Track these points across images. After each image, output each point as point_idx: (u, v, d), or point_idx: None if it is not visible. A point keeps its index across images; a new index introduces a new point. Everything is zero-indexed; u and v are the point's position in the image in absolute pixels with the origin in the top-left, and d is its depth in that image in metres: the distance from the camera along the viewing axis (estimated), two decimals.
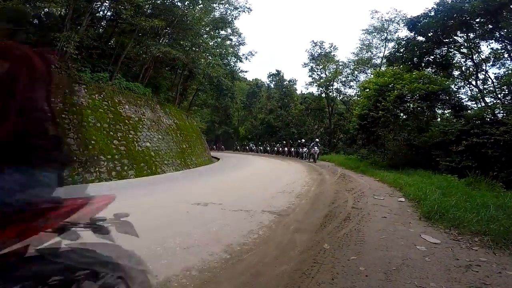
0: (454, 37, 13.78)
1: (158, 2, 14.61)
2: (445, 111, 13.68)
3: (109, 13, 14.54)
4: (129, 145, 10.64)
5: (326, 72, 31.35)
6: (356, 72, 29.66)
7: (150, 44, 14.39)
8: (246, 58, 28.57)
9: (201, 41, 17.72)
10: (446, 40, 13.90)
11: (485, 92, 13.77)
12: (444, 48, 14.51)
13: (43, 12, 12.03)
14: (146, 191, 7.25)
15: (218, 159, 22.64)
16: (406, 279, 2.41)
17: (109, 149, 9.53)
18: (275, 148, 29.85)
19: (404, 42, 15.49)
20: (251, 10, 21.64)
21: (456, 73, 15.38)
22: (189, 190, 7.46)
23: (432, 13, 13.18)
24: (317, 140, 20.05)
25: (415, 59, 14.71)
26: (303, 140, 20.82)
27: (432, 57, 14.75)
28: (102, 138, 9.49)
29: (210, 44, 20.55)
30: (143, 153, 11.18)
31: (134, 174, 10.04)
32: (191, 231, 3.68)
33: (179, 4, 15.50)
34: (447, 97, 12.25)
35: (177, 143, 14.89)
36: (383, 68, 21.41)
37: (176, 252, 2.97)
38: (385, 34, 26.40)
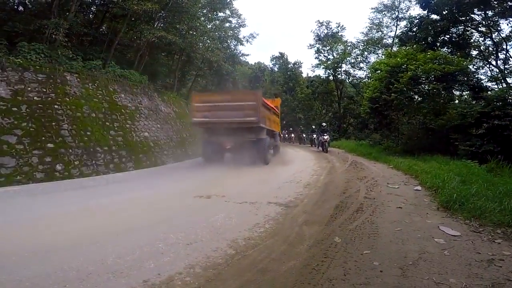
0: (471, 15, 13.43)
1: None
2: (463, 92, 13.43)
3: None
4: (127, 136, 10.65)
5: (334, 54, 30.87)
6: (366, 53, 29.14)
7: (144, 28, 14.16)
8: (247, 41, 28.24)
9: (198, 24, 17.39)
10: (463, 18, 13.58)
11: (506, 72, 13.44)
12: (461, 27, 14.18)
13: None
14: (146, 184, 7.30)
15: None
16: (423, 275, 2.37)
17: (105, 140, 9.55)
18: (281, 135, 29.78)
19: (417, 20, 15.22)
20: None
21: (474, 52, 15.06)
22: (191, 182, 7.49)
23: None
24: (324, 124, 17.46)
25: (429, 38, 14.46)
26: (324, 124, 17.63)
27: (448, 36, 14.47)
28: (98, 128, 9.50)
29: (208, 27, 20.28)
30: (141, 144, 11.20)
31: (133, 166, 10.08)
32: (194, 226, 3.69)
33: None
34: (465, 78, 12.00)
35: (177, 132, 14.89)
36: (395, 49, 21.10)
37: (179, 249, 2.98)
38: (396, 13, 25.71)
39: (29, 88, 8.15)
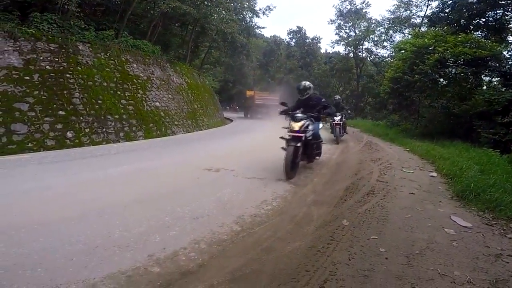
0: None
1: None
2: (493, 79, 12.83)
3: None
4: (138, 105, 10.78)
5: (356, 30, 30.02)
6: (391, 32, 28.22)
7: None
8: (263, 13, 27.64)
9: None
10: (503, 1, 12.69)
11: None
12: (500, 11, 13.27)
13: None
14: (155, 154, 7.43)
15: (232, 120, 22.74)
16: (429, 265, 2.37)
17: (116, 109, 9.70)
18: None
19: (451, 1, 14.35)
20: None
21: (511, 38, 14.16)
22: (200, 154, 7.59)
23: None
24: (337, 97, 12.71)
25: (462, 20, 13.69)
26: (337, 97, 12.71)
27: (484, 19, 13.60)
28: (109, 97, 9.62)
29: None
30: (152, 113, 11.34)
31: (143, 135, 10.29)
32: (201, 200, 3.77)
33: None
34: (497, 64, 11.42)
35: (188, 103, 14.96)
36: (423, 29, 20.21)
37: (185, 223, 3.06)
38: None
39: (41, 58, 8.25)
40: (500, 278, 2.24)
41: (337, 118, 10.42)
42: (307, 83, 5.99)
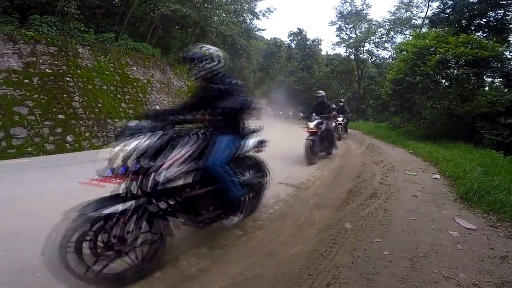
0: None
1: None
2: (495, 79, 12.87)
3: None
4: (138, 108, 10.82)
5: (357, 32, 30.14)
6: (392, 33, 28.40)
7: (158, 1, 14.05)
8: (264, 15, 27.80)
9: None
10: (504, 1, 12.74)
11: None
12: (500, 11, 13.32)
13: None
14: None
15: None
16: (433, 268, 2.36)
17: (116, 113, 9.73)
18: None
19: (452, 2, 14.40)
20: None
21: None
22: None
23: None
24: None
25: (463, 21, 13.77)
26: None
27: (485, 20, 13.65)
28: (109, 101, 9.66)
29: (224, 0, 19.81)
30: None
31: None
32: None
33: None
34: (499, 65, 11.46)
35: None
36: (424, 30, 20.27)
37: (185, 227, 3.03)
38: None
39: (40, 61, 8.31)
40: (506, 280, 2.23)
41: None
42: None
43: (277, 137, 6.02)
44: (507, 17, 13.53)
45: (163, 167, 2.16)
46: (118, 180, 2.04)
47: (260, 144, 3.32)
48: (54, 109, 7.98)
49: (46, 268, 1.82)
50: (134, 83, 11.30)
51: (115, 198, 2.05)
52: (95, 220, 1.94)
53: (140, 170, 2.10)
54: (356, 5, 30.02)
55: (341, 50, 33.20)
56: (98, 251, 1.98)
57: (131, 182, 2.12)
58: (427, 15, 22.81)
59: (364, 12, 29.98)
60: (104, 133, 8.93)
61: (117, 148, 2.09)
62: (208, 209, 2.58)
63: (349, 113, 14.03)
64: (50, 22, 9.41)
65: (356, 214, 3.57)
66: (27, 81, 7.74)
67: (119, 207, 1.98)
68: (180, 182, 2.33)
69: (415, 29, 24.18)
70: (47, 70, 8.33)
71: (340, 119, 11.68)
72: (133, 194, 2.12)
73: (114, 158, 2.06)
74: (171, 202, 2.32)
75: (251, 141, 3.13)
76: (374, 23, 29.45)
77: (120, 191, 2.10)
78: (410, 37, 19.62)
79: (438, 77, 12.37)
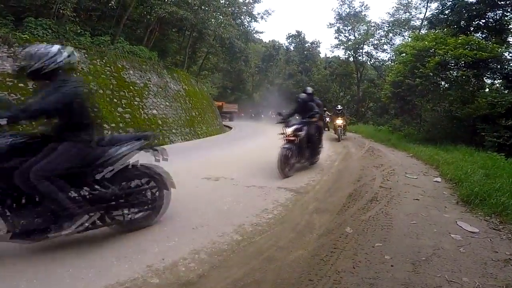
0: None
1: None
2: (495, 81, 12.97)
3: None
4: (134, 113, 10.81)
5: (356, 34, 30.38)
6: (390, 35, 28.66)
7: (155, 3, 14.10)
8: (262, 18, 28.12)
9: None
10: (502, 2, 12.85)
11: None
12: (499, 11, 13.43)
13: None
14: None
15: (231, 128, 22.79)
16: (436, 272, 2.36)
17: (113, 117, 9.72)
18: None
19: (450, 3, 14.52)
20: None
21: (511, 39, 14.32)
22: (199, 162, 7.54)
23: None
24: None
25: (462, 22, 13.84)
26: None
27: (484, 21, 13.76)
28: (105, 105, 9.66)
29: (221, 2, 20.07)
30: (149, 121, 11.37)
31: None
32: (200, 209, 3.76)
33: None
34: (499, 66, 11.54)
35: (186, 110, 15.01)
36: (423, 31, 20.52)
37: (184, 232, 3.04)
38: None
39: None
40: (510, 283, 2.23)
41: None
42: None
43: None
44: (506, 18, 13.65)
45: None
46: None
47: (156, 153, 3.19)
48: None
49: None
50: (131, 87, 11.31)
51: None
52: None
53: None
54: (354, 7, 30.33)
55: (340, 53, 33.51)
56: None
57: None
58: (425, 16, 23.08)
59: (363, 13, 30.31)
60: None
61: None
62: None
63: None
64: (45, 25, 9.42)
65: (356, 218, 3.57)
66: (22, 85, 7.73)
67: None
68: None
69: (414, 30, 24.40)
70: None
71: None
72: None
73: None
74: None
75: (124, 149, 2.87)
76: (372, 24, 29.74)
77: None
78: (409, 39, 19.81)
79: (438, 79, 12.44)
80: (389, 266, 2.44)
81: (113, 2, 15.11)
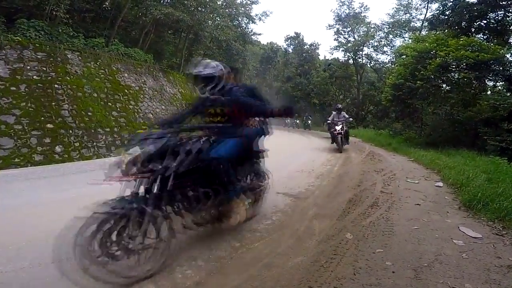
0: None
1: None
2: (498, 83, 13.06)
3: None
4: (129, 117, 10.81)
5: (355, 36, 30.52)
6: (390, 36, 28.84)
7: (150, 4, 14.19)
8: (260, 19, 28.10)
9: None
10: (504, 2, 13.05)
11: None
12: (501, 12, 13.61)
13: None
14: None
15: None
16: (438, 278, 2.38)
17: (107, 121, 9.72)
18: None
19: (451, 3, 14.70)
20: None
21: None
22: None
23: None
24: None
25: (463, 23, 14.04)
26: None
27: (485, 21, 13.93)
28: (99, 109, 9.66)
29: (218, 3, 20.13)
30: (145, 126, 11.36)
31: None
32: None
33: None
34: (501, 68, 11.65)
35: None
36: (423, 32, 20.63)
37: (181, 239, 3.02)
38: None
39: (28, 67, 8.32)
40: None
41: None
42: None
43: None
44: (508, 18, 13.79)
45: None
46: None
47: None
48: (42, 118, 7.96)
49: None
50: (126, 91, 11.32)
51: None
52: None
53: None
54: (354, 8, 30.38)
55: (340, 55, 33.66)
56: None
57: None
58: (426, 17, 23.29)
59: (362, 15, 30.35)
60: (94, 143, 8.90)
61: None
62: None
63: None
64: (38, 27, 9.43)
65: (357, 224, 3.59)
66: (14, 88, 7.73)
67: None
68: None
69: (415, 31, 24.55)
70: (34, 77, 8.33)
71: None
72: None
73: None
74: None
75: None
76: (372, 26, 29.84)
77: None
78: (410, 40, 20.00)
79: (439, 81, 12.50)
80: (390, 273, 2.45)
81: (107, 3, 15.17)
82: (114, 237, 2.18)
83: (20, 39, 8.52)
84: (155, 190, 2.34)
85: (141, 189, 2.41)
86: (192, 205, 2.65)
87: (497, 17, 13.82)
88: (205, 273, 2.41)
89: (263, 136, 3.58)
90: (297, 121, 27.44)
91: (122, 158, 2.35)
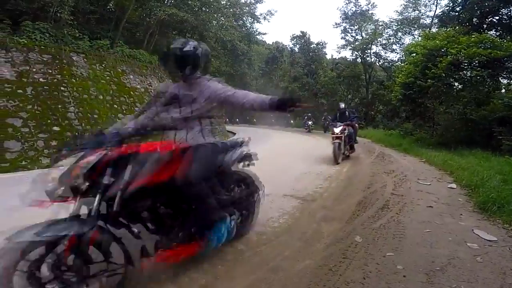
0: None
1: None
2: None
3: None
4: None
5: (363, 34, 30.39)
6: (399, 34, 28.65)
7: (154, 5, 14.35)
8: (265, 18, 28.23)
9: None
10: None
11: None
12: None
13: None
14: None
15: (234, 133, 22.86)
16: (451, 282, 2.34)
17: (113, 124, 9.81)
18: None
19: None
20: None
21: None
22: None
23: None
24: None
25: (474, 19, 13.89)
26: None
27: (497, 17, 13.75)
28: (105, 111, 9.77)
29: (222, 3, 20.23)
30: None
31: None
32: None
33: None
34: None
35: None
36: (433, 30, 20.47)
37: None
38: None
39: (34, 69, 8.45)
40: None
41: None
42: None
43: None
44: None
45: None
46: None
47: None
48: (49, 121, 8.08)
49: None
50: (131, 92, 11.44)
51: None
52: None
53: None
54: (360, 5, 30.30)
55: (347, 54, 33.44)
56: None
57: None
58: (436, 13, 23.21)
59: (370, 12, 30.28)
60: None
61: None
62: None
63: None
64: (43, 29, 9.59)
65: (367, 226, 3.55)
66: (21, 91, 7.86)
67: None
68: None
69: (424, 29, 24.36)
70: (41, 79, 8.46)
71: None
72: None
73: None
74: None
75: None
76: (380, 23, 29.71)
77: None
78: (419, 38, 19.87)
79: (451, 80, 12.36)
80: (401, 277, 2.42)
81: (111, 5, 15.36)
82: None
83: (26, 41, 8.66)
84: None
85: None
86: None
87: (509, 13, 13.65)
88: (212, 277, 2.41)
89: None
90: (310, 122, 25.29)
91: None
